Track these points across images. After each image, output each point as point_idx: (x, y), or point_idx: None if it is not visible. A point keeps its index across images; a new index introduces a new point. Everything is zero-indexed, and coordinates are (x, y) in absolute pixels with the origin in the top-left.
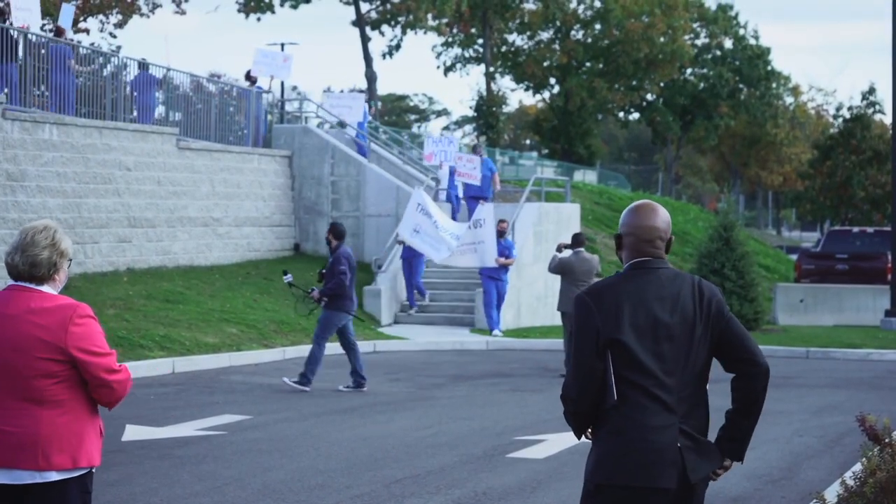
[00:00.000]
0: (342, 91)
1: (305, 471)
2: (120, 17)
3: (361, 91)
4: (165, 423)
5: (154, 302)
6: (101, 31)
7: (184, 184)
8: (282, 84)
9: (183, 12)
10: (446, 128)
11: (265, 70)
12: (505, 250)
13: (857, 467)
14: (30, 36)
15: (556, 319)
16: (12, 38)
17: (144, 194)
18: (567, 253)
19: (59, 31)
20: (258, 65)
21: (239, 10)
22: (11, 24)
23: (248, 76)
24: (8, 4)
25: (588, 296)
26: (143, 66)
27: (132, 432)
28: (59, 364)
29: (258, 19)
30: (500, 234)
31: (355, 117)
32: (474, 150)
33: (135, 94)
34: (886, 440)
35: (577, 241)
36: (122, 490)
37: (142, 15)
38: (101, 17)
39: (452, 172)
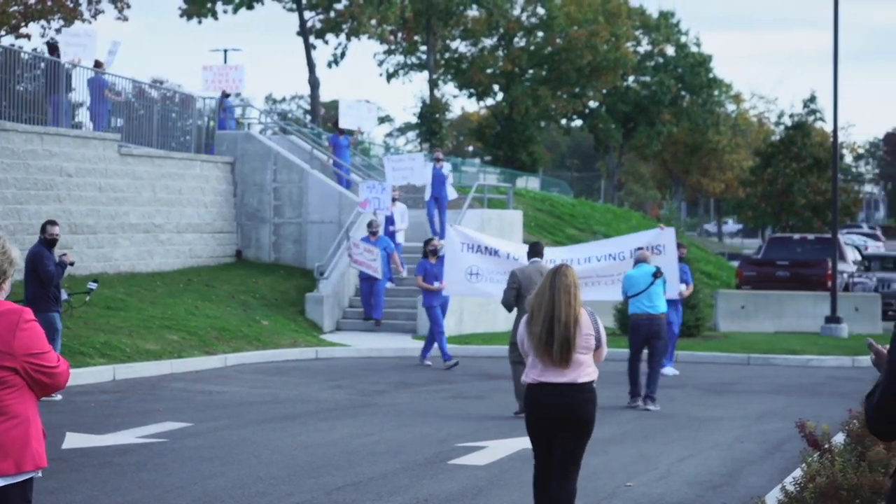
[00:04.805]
0: (398, 151)
1: (246, 478)
2: (62, 22)
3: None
4: (106, 430)
5: (95, 309)
6: (43, 35)
7: (125, 190)
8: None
9: (125, 18)
10: (389, 134)
11: (352, 122)
12: (683, 275)
13: (798, 473)
14: (65, 65)
15: (498, 326)
16: (65, 70)
17: (85, 200)
18: (524, 263)
19: (97, 64)
20: (344, 116)
21: (181, 15)
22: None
23: (336, 126)
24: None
25: None
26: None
27: (72, 440)
28: (4, 370)
29: (199, 22)
30: (679, 259)
31: (420, 178)
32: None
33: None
34: (826, 446)
35: (536, 251)
36: (62, 498)
37: (84, 20)
38: (42, 22)
39: (388, 221)
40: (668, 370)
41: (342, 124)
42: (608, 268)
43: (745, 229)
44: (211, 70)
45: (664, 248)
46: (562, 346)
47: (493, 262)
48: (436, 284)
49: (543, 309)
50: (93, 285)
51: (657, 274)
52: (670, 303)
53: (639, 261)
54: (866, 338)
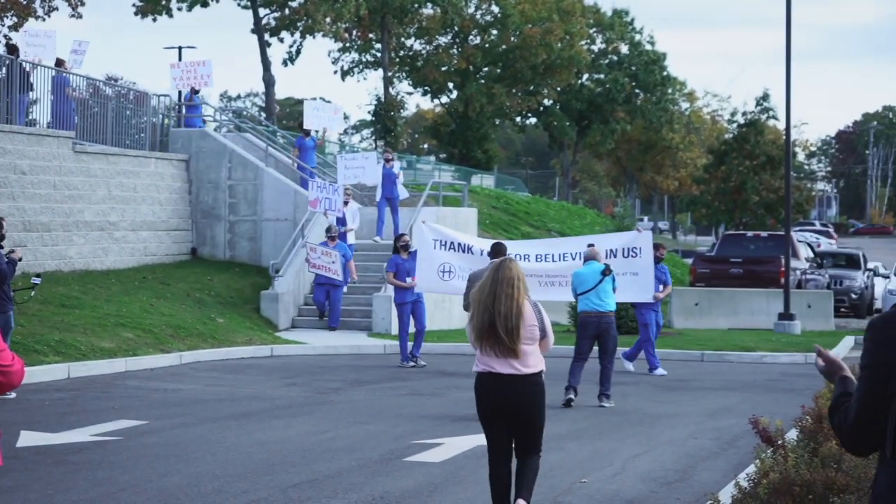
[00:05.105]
0: (352, 150)
1: (202, 476)
2: (15, 19)
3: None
4: (60, 428)
5: (49, 307)
6: None
7: (80, 188)
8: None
9: (79, 16)
10: (344, 132)
11: (317, 123)
12: (662, 275)
13: (751, 469)
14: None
15: (453, 323)
16: (25, 70)
17: (40, 198)
18: (485, 264)
19: (59, 62)
20: (309, 118)
21: (135, 13)
22: (20, 58)
23: (301, 127)
24: (13, 42)
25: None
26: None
27: (27, 438)
28: None
29: (154, 20)
30: (657, 260)
31: (371, 178)
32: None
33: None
34: (779, 442)
35: (498, 251)
36: (17, 496)
37: (37, 17)
38: None
39: (339, 222)
40: (660, 370)
41: (307, 125)
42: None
43: (698, 227)
44: (178, 67)
45: (640, 251)
46: (505, 338)
47: (467, 260)
48: (408, 280)
49: (485, 302)
50: (36, 280)
51: (606, 272)
52: (649, 304)
53: (588, 258)
54: (815, 344)
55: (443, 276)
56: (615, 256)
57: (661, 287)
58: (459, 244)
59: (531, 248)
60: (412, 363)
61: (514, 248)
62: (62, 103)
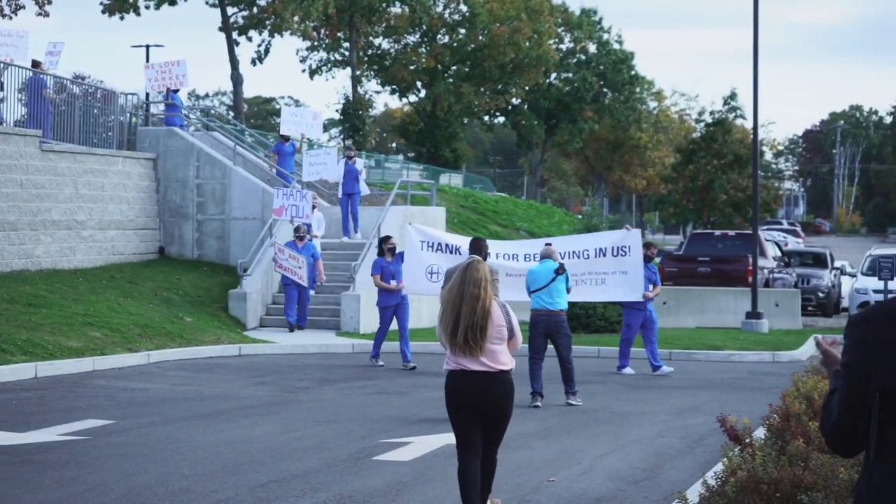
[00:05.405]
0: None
1: (170, 476)
2: None
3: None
4: (27, 428)
5: (16, 306)
6: None
7: (47, 186)
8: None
9: (46, 14)
10: None
11: (294, 129)
12: (651, 275)
13: (719, 467)
14: None
15: (422, 322)
16: None
17: (6, 197)
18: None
19: (35, 64)
20: (287, 123)
21: (102, 11)
22: None
23: (281, 135)
24: None
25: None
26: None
27: None
28: None
29: (121, 18)
30: (647, 259)
31: (333, 174)
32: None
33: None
34: (747, 440)
35: (475, 247)
36: None
37: (4, 16)
38: None
39: (308, 228)
40: (628, 370)
41: (283, 131)
42: (572, 266)
43: (665, 226)
44: (153, 68)
45: (629, 250)
46: (472, 338)
47: (454, 261)
48: (392, 283)
49: (453, 302)
50: None
51: (559, 270)
52: (637, 303)
53: (544, 256)
54: (814, 335)
55: (431, 278)
56: (604, 255)
57: (650, 286)
58: (447, 245)
59: (519, 248)
60: (381, 363)
61: (501, 248)
62: (38, 104)
